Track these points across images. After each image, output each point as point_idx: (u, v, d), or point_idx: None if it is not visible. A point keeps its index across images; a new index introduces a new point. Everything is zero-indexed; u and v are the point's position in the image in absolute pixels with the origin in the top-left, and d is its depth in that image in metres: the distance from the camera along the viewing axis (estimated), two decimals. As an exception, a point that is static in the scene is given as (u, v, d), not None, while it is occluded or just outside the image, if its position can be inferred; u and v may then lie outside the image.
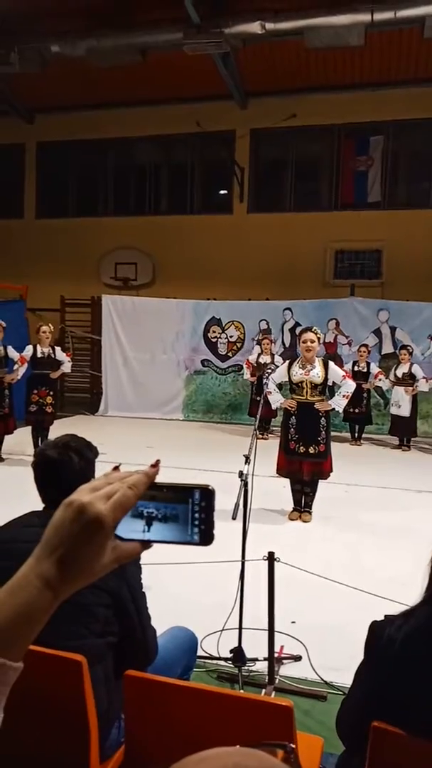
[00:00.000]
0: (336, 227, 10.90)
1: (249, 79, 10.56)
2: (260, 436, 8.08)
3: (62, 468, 1.75)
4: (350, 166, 11.31)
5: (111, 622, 1.61)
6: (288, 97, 10.88)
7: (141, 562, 1.66)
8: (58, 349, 7.29)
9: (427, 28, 8.09)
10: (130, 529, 0.61)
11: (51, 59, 9.14)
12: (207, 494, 0.62)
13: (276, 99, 10.97)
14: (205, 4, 8.21)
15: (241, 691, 2.56)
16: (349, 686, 1.53)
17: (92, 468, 1.84)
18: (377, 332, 9.71)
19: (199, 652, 2.55)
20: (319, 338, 5.07)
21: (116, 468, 0.64)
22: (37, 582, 0.58)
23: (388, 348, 9.65)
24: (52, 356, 7.03)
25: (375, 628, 1.39)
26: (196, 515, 0.62)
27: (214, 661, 2.84)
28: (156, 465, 0.63)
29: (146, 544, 0.63)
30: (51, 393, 6.94)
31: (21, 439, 6.97)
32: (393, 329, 9.66)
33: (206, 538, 0.62)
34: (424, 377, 8.33)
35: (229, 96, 10.89)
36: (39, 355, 6.92)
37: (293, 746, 0.52)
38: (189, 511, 0.62)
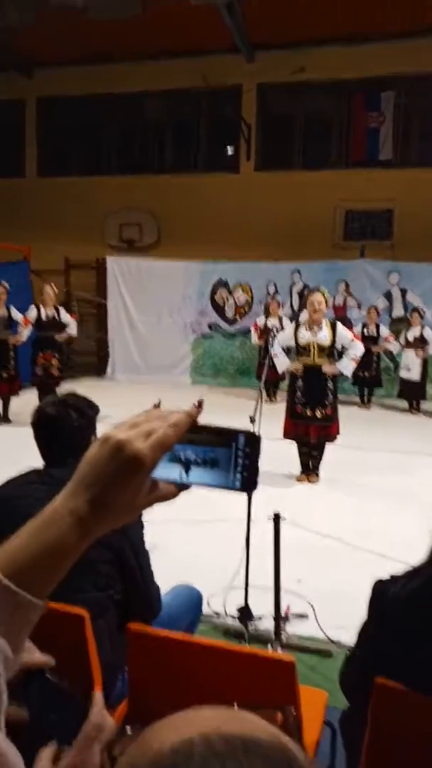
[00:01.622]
0: (346, 186, 10.61)
1: (255, 30, 10.13)
2: (267, 399, 8.07)
3: (60, 425, 1.72)
4: (361, 123, 10.93)
5: (114, 578, 1.60)
6: (296, 50, 10.46)
7: (144, 520, 1.65)
8: (62, 310, 7.24)
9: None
10: (167, 472, 0.59)
11: (48, 9, 8.79)
12: (253, 439, 0.60)
13: (284, 52, 10.55)
14: None
15: (248, 646, 2.59)
16: (353, 644, 1.52)
17: (93, 426, 1.81)
18: (387, 295, 9.56)
19: (206, 610, 2.57)
20: (326, 299, 4.98)
21: (156, 406, 0.61)
22: (69, 518, 0.55)
23: (398, 311, 9.51)
24: (57, 318, 6.99)
25: (379, 586, 1.38)
26: (240, 461, 0.59)
27: (221, 619, 2.87)
28: (200, 405, 0.59)
29: (184, 486, 0.60)
30: (57, 356, 6.93)
31: (28, 401, 6.98)
32: (404, 291, 9.50)
33: (249, 484, 0.60)
34: (435, 340, 8.21)
35: (235, 49, 10.49)
36: (44, 317, 6.88)
37: (293, 710, 0.49)
38: (232, 456, 0.59)
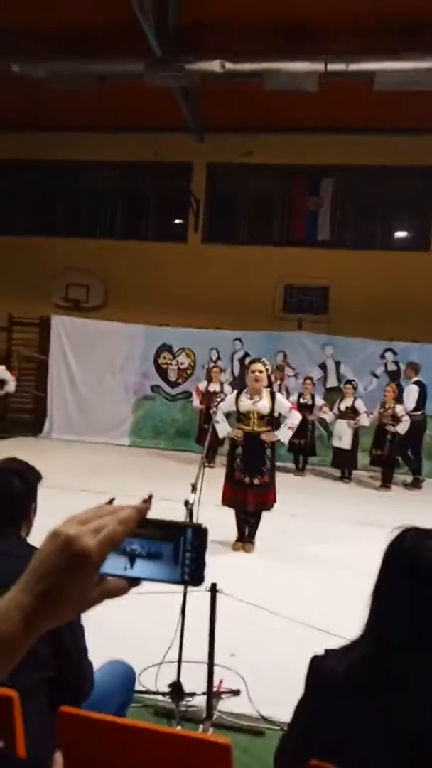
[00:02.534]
0: (286, 262, 11.20)
1: (207, 114, 10.84)
2: (207, 464, 8.09)
3: (2, 492, 1.70)
4: (302, 205, 11.71)
5: (45, 656, 1.55)
6: (244, 135, 11.21)
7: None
8: (2, 367, 7.11)
9: (376, 83, 8.56)
10: (113, 566, 0.60)
11: (9, 79, 9.11)
12: (200, 533, 0.61)
13: (233, 136, 11.28)
14: (168, 39, 8.42)
15: (178, 727, 2.50)
16: (287, 721, 1.52)
17: (34, 492, 1.80)
18: (323, 366, 9.97)
19: (138, 687, 2.48)
20: (267, 369, 5.15)
21: (110, 502, 0.64)
22: (16, 613, 0.56)
23: (332, 382, 9.91)
24: (-5, 375, 6.85)
25: (315, 662, 1.38)
26: (188, 554, 0.61)
27: (152, 696, 2.76)
28: (148, 501, 0.62)
29: (135, 582, 0.61)
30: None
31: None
32: (338, 364, 9.94)
33: (197, 577, 0.61)
34: (365, 412, 8.57)
35: (187, 129, 11.13)
36: (-19, 374, 6.72)
37: None
38: (179, 549, 0.61)
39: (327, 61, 8.34)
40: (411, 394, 8.62)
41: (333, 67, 8.36)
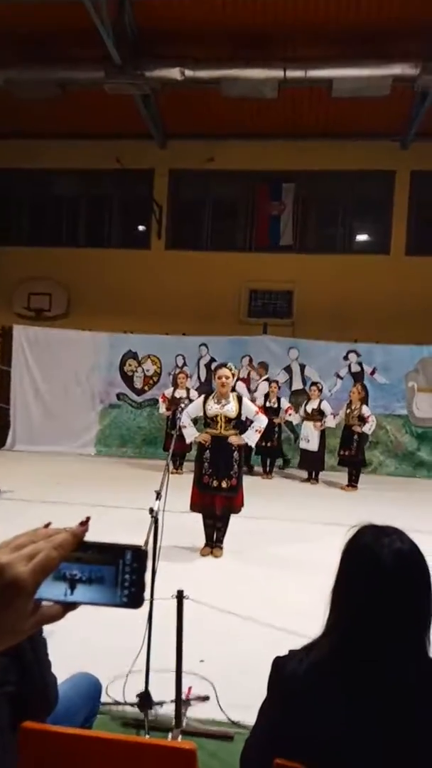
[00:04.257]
0: (250, 267, 11.29)
1: (168, 121, 10.87)
2: (174, 470, 8.07)
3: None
4: (264, 210, 11.82)
5: (7, 670, 1.52)
6: (206, 141, 11.28)
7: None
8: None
9: (334, 89, 8.73)
10: (51, 591, 0.58)
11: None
12: (139, 555, 0.60)
13: (194, 142, 11.34)
14: (127, 46, 8.42)
15: (147, 736, 2.48)
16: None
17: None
18: (288, 369, 10.07)
19: (105, 698, 2.45)
20: (233, 374, 5.18)
21: (46, 525, 0.61)
22: None
23: (297, 384, 10.01)
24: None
25: (278, 663, 1.38)
26: (127, 576, 0.60)
27: (120, 707, 2.73)
28: (85, 523, 0.60)
29: (70, 606, 0.59)
30: None
31: None
32: (302, 366, 10.06)
33: (136, 600, 0.59)
34: (331, 413, 8.68)
35: (148, 135, 11.13)
36: None
37: None
38: (119, 573, 0.59)
39: (285, 67, 8.47)
40: (261, 390, 9.28)
41: (291, 74, 8.49)
